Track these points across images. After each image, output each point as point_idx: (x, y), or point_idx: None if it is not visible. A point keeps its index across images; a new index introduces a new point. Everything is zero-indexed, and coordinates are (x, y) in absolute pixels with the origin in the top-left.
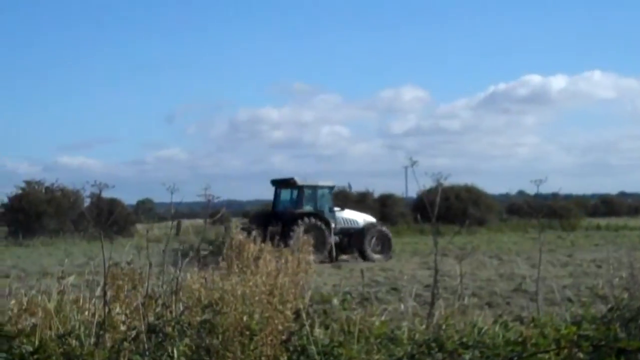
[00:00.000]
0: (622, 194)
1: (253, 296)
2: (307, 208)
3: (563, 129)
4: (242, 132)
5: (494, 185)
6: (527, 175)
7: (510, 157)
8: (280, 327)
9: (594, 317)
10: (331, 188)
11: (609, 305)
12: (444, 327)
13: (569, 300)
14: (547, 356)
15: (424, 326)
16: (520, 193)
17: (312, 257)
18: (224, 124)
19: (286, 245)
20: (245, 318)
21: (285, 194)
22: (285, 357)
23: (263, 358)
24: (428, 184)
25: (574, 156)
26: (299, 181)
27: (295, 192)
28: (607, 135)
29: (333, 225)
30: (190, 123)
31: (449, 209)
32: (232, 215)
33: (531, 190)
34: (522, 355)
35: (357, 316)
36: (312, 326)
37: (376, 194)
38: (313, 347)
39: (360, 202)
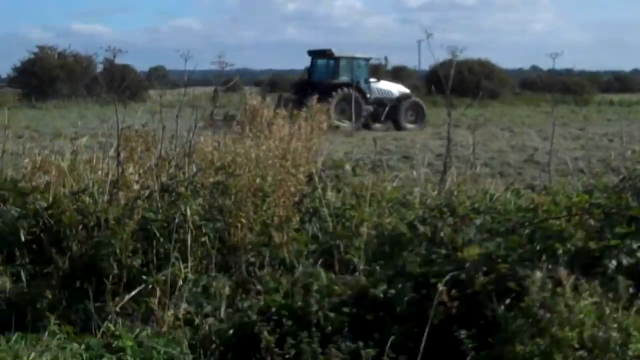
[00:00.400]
0: (636, 71)
1: (266, 159)
2: (344, 79)
3: (578, 6)
4: (257, 3)
5: (508, 60)
6: (541, 50)
7: (524, 32)
8: (292, 190)
9: (606, 186)
10: (367, 60)
11: (621, 176)
12: (455, 193)
13: (581, 171)
14: (558, 222)
15: (435, 192)
16: (534, 68)
17: (346, 124)
18: None
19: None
20: (258, 180)
21: (322, 64)
22: (298, 218)
23: (275, 218)
24: (442, 57)
25: (589, 33)
26: (336, 52)
27: (332, 63)
28: (622, 13)
29: (368, 95)
30: None
31: (462, 82)
32: (244, 83)
33: (545, 65)
34: (533, 221)
35: (369, 181)
36: (324, 189)
37: (389, 67)
38: (325, 209)
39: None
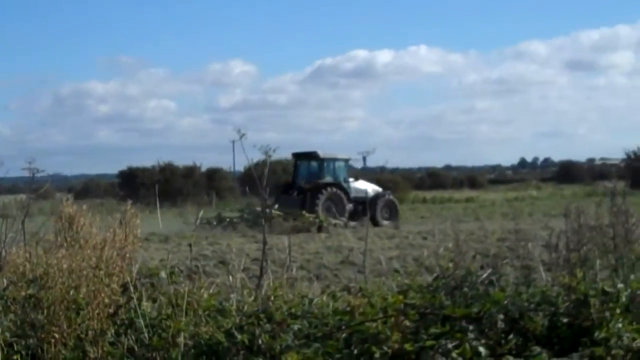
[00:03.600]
0: (448, 167)
1: (80, 270)
2: (328, 179)
3: (390, 103)
4: (67, 106)
5: None
6: (355, 148)
7: (338, 131)
8: (107, 301)
9: (420, 286)
10: (347, 160)
11: (435, 275)
12: (272, 298)
13: (396, 271)
14: (374, 325)
15: (252, 298)
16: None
17: (341, 222)
18: (49, 99)
19: (312, 212)
20: (71, 292)
21: (304, 166)
22: (113, 331)
23: (90, 332)
24: (256, 157)
25: (401, 130)
26: (321, 154)
27: (316, 164)
28: (433, 110)
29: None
30: (12, 98)
31: (278, 183)
32: (57, 189)
33: (358, 164)
34: (349, 324)
35: (184, 289)
36: (139, 299)
37: (204, 168)
38: (141, 320)
39: (187, 176)
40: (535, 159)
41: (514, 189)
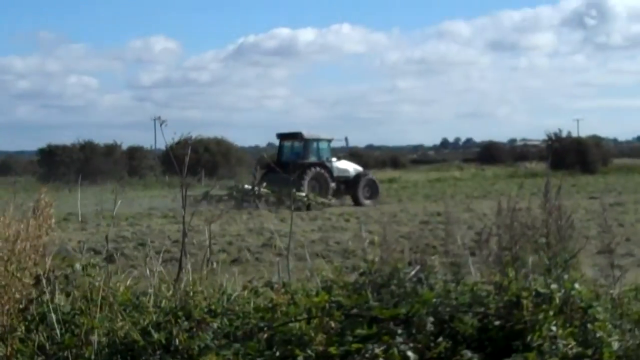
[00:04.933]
0: (370, 147)
1: None
2: (312, 159)
3: (313, 82)
4: None
5: (246, 136)
6: (278, 127)
7: (260, 109)
8: (17, 295)
9: (346, 283)
10: (329, 141)
11: (361, 270)
12: (191, 294)
13: (318, 255)
14: (298, 325)
15: (170, 292)
16: (271, 145)
17: (333, 200)
18: None
19: (299, 190)
20: None
21: (289, 146)
22: (23, 327)
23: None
24: (177, 137)
25: (324, 109)
26: (306, 135)
27: (301, 145)
28: (355, 89)
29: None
30: None
31: (199, 162)
32: None
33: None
34: (271, 325)
35: (99, 282)
36: (52, 293)
37: (124, 146)
38: (53, 315)
39: (108, 155)
40: (457, 140)
41: (436, 169)
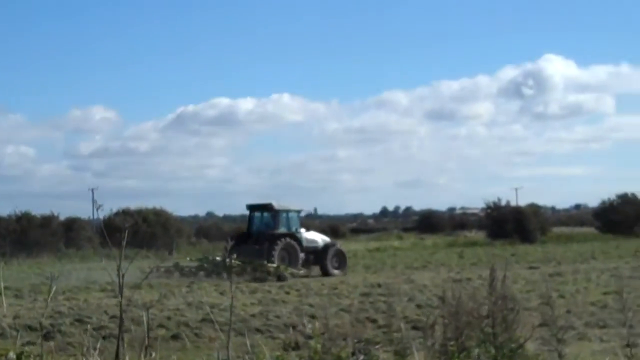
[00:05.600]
0: (310, 216)
1: None
2: (282, 229)
3: (252, 151)
4: None
5: (185, 206)
6: (217, 196)
7: (199, 178)
8: None
9: None
10: (299, 212)
11: None
12: None
13: (258, 330)
14: None
15: None
16: (210, 214)
17: (301, 272)
18: None
19: (269, 261)
20: None
21: (259, 217)
22: None
23: None
24: (115, 207)
25: (263, 178)
26: (276, 206)
27: (271, 216)
28: (295, 158)
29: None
30: None
31: (137, 233)
32: None
33: (220, 211)
34: None
35: None
36: None
37: (62, 217)
38: None
39: (44, 226)
40: (397, 208)
41: (376, 238)
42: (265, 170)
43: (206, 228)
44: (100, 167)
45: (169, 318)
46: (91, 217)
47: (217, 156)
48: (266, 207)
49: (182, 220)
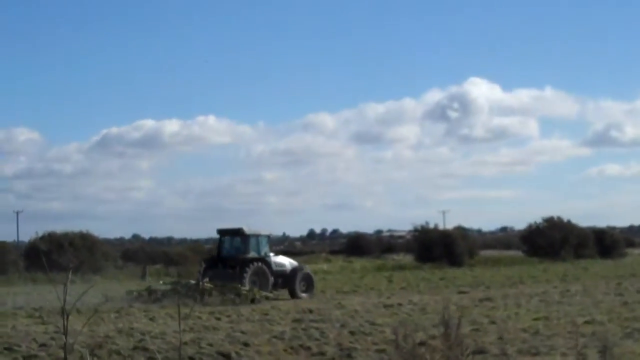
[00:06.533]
0: None
1: None
2: (252, 254)
3: (178, 173)
4: None
5: (110, 228)
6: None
7: (125, 200)
8: None
9: None
10: (268, 236)
11: None
12: None
13: (191, 358)
14: None
15: None
16: (135, 237)
17: (272, 295)
18: None
19: (241, 284)
20: None
21: (229, 241)
22: None
23: None
24: (41, 230)
25: (190, 200)
26: (247, 230)
27: (241, 240)
28: (221, 180)
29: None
30: None
31: (62, 257)
32: None
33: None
34: None
35: None
36: None
37: None
38: None
39: None
40: (324, 230)
41: (303, 261)
42: (191, 193)
43: (132, 251)
44: (24, 189)
45: (100, 346)
46: (16, 240)
47: (143, 178)
48: (237, 232)
49: (108, 242)
